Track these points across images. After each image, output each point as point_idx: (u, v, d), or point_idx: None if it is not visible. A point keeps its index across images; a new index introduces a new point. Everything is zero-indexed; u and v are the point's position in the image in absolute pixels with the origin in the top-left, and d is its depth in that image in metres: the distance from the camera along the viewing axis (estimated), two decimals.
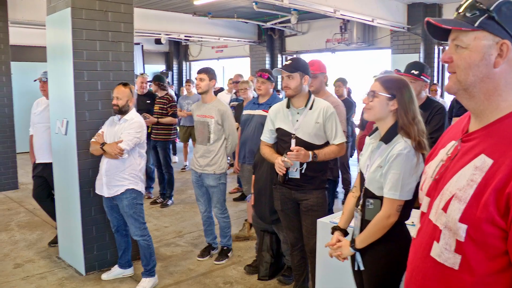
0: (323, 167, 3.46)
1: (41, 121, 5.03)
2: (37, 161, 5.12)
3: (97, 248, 4.46)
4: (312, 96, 3.46)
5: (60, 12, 4.33)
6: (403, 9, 9.36)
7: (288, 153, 3.18)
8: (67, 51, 4.21)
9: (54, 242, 5.14)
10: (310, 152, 3.21)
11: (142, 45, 14.56)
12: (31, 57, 11.94)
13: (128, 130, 3.88)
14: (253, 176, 4.21)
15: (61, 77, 4.40)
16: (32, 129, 5.18)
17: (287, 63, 3.40)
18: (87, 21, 4.23)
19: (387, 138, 2.29)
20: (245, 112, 5.01)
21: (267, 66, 12.40)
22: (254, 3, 8.76)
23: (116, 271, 4.36)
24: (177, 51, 16.12)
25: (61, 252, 4.84)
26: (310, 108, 3.38)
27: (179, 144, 9.97)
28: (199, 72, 4.59)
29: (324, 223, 3.15)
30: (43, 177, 5.08)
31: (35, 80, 5.24)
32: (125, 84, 4.01)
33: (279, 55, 12.73)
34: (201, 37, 11.71)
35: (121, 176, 3.92)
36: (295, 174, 3.34)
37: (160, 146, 6.65)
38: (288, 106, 3.45)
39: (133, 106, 4.04)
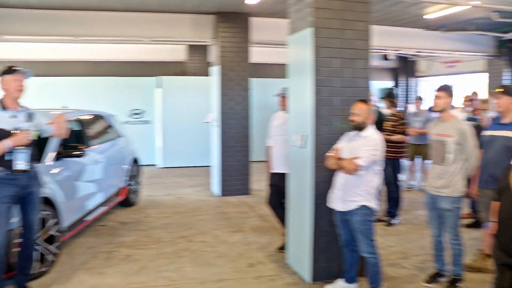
0: None
1: (279, 134, 5.39)
2: (273, 171, 5.50)
3: (325, 259, 4.57)
4: None
5: (301, 32, 4.61)
6: None
7: None
8: (308, 68, 4.44)
9: (282, 248, 5.44)
10: None
11: None
12: (269, 74, 13.04)
13: (366, 146, 3.90)
14: (495, 202, 3.82)
15: (300, 92, 4.66)
16: (270, 141, 5.58)
17: None
18: (327, 39, 4.42)
19: None
20: (487, 132, 4.61)
21: (507, 82, 11.22)
22: (495, 13, 8.04)
23: (340, 285, 4.40)
24: (404, 67, 15.75)
25: (289, 258, 5.09)
26: None
27: (405, 162, 9.65)
28: (438, 89, 4.39)
29: None
30: (277, 186, 5.43)
31: (275, 95, 5.64)
32: (365, 101, 4.06)
33: None
34: (432, 52, 11.23)
35: (355, 192, 3.96)
36: None
37: (389, 164, 6.55)
38: None
39: (371, 123, 4.05)
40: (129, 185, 7.65)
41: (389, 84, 15.62)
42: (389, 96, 7.00)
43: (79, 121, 6.51)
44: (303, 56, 4.59)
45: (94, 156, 6.35)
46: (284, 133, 5.20)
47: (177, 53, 13.06)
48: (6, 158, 3.87)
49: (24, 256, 4.21)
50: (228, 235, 6.22)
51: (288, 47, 5.01)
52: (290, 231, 5.04)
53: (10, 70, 3.99)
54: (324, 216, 4.46)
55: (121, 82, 12.34)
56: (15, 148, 3.90)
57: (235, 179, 8.61)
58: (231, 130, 8.53)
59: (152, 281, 4.68)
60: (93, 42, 9.35)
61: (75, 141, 6.19)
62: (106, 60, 12.88)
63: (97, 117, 7.33)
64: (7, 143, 3.84)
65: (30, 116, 4.09)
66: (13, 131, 3.90)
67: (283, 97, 5.38)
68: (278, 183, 5.39)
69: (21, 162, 3.93)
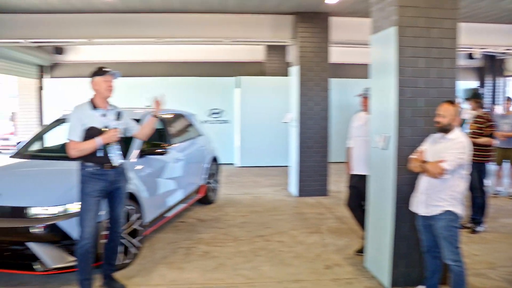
0: None
1: (360, 135, 5.28)
2: (353, 172, 5.40)
3: (405, 264, 4.42)
4: None
5: (385, 31, 4.48)
6: None
7: None
8: (391, 68, 4.31)
9: (360, 251, 5.33)
10: None
11: None
12: (348, 74, 12.86)
13: (451, 150, 3.72)
14: None
15: (383, 93, 4.54)
16: (351, 142, 5.48)
17: None
18: (411, 38, 4.26)
19: None
20: None
21: None
22: None
23: None
24: (491, 66, 14.89)
25: (367, 262, 4.98)
26: None
27: (492, 167, 9.15)
28: None
29: None
30: (357, 187, 5.33)
31: (356, 96, 5.54)
32: (451, 102, 3.88)
33: None
34: None
35: (440, 196, 3.80)
36: None
37: (474, 168, 6.22)
38: None
39: (457, 125, 3.87)
40: (208, 183, 7.83)
41: (474, 84, 14.85)
42: (475, 96, 6.63)
43: (162, 120, 6.74)
44: (386, 55, 4.46)
45: (176, 154, 6.56)
46: (365, 134, 5.09)
47: (256, 53, 13.21)
48: (98, 154, 4.10)
49: (110, 247, 4.43)
50: (305, 235, 6.20)
51: (370, 46, 4.90)
52: (369, 234, 4.93)
53: (100, 71, 4.20)
54: (405, 220, 4.31)
55: (201, 82, 12.69)
56: (106, 145, 4.12)
57: (313, 179, 8.56)
58: (310, 131, 8.48)
59: (229, 278, 4.76)
60: (174, 43, 9.68)
61: (157, 139, 6.42)
62: (186, 60, 13.28)
63: (179, 116, 7.57)
64: (98, 141, 4.06)
65: (119, 115, 4.30)
66: (103, 129, 4.12)
67: (364, 97, 5.27)
68: (358, 184, 5.30)
69: (114, 158, 4.16)
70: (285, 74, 11.97)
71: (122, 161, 4.30)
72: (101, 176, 4.13)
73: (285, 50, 12.80)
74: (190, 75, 12.88)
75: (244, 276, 4.80)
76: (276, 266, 5.08)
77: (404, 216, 4.30)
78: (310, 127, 8.48)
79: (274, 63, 12.98)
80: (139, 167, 5.50)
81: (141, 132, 4.60)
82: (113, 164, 4.17)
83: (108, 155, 4.15)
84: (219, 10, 8.30)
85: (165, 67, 13.23)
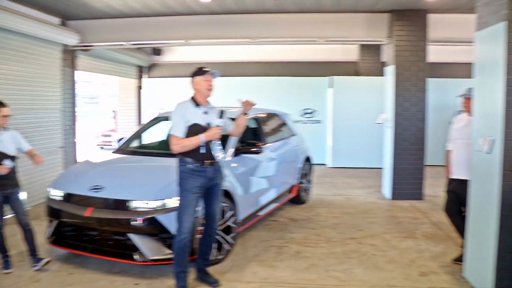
0: None
1: (461, 137, 5.02)
2: (452, 176, 5.16)
3: (511, 279, 4.14)
4: None
5: (492, 27, 4.21)
6: None
7: None
8: (499, 67, 4.05)
9: (458, 259, 5.07)
10: None
11: None
12: (447, 74, 12.29)
13: None
14: None
15: (489, 93, 4.28)
16: (450, 144, 5.24)
17: None
18: None
19: None
20: None
21: None
22: None
23: None
24: None
25: (466, 271, 4.72)
26: None
27: None
28: None
29: None
30: (456, 192, 5.08)
31: (458, 96, 5.28)
32: None
33: None
34: None
35: None
36: None
37: None
38: None
39: None
40: (301, 183, 7.85)
41: None
42: None
43: (256, 119, 6.86)
44: (493, 53, 4.19)
45: (269, 154, 6.64)
46: (467, 136, 4.83)
47: (350, 53, 13.01)
48: (201, 151, 4.25)
49: (206, 243, 4.58)
50: (399, 240, 6.02)
51: (474, 44, 4.63)
52: (469, 242, 4.67)
53: (200, 71, 4.35)
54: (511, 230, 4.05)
55: (294, 82, 12.74)
56: (208, 142, 4.26)
57: (408, 183, 8.27)
58: (405, 132, 8.21)
59: (321, 279, 4.74)
60: (268, 43, 9.80)
61: (252, 138, 6.55)
62: (279, 60, 13.38)
63: (273, 116, 7.66)
64: (202, 137, 4.21)
65: (221, 113, 4.43)
66: (206, 126, 4.26)
67: (467, 98, 5.00)
68: (457, 189, 5.04)
69: (217, 155, 4.32)
70: (379, 74, 11.70)
71: (223, 158, 4.44)
72: (201, 173, 4.27)
73: (380, 49, 12.52)
74: (283, 75, 12.97)
75: (336, 278, 4.76)
76: (368, 270, 4.99)
77: (510, 225, 4.03)
78: (406, 129, 8.21)
79: (368, 62, 12.74)
80: (234, 165, 5.64)
81: (235, 130, 4.72)
82: (215, 161, 4.31)
83: (211, 152, 4.29)
84: (313, 10, 8.29)
85: (258, 67, 13.43)
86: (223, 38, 8.80)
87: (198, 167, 4.26)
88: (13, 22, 6.95)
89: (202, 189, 4.32)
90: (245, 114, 4.70)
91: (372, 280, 4.71)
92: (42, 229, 5.62)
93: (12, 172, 4.88)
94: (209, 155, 4.28)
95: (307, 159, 8.20)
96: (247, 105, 4.64)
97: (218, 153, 4.34)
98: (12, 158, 4.88)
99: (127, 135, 6.83)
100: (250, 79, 12.79)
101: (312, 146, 9.18)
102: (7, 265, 4.98)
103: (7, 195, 4.87)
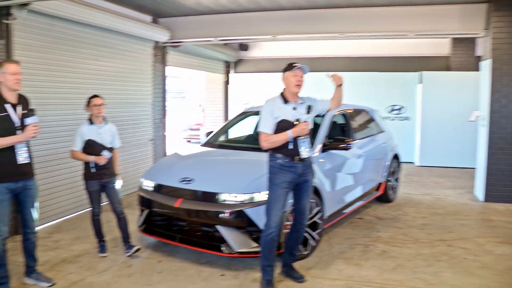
0: None
1: None
2: None
3: None
4: None
5: None
6: None
7: None
8: None
9: None
10: None
11: None
12: None
13: None
14: None
15: None
16: None
17: None
18: None
19: None
20: None
21: None
22: None
23: None
24: None
25: None
26: None
27: None
28: None
29: None
30: None
31: None
32: None
33: None
34: None
35: None
36: None
37: None
38: None
39: None
40: (388, 181, 7.67)
41: None
42: None
43: (344, 115, 6.79)
44: None
45: (356, 150, 6.55)
46: None
47: (441, 47, 12.43)
48: (289, 147, 4.29)
49: (293, 238, 4.62)
50: (493, 245, 5.70)
51: None
52: None
53: (289, 66, 4.37)
54: None
55: (381, 77, 12.44)
56: (296, 138, 4.29)
57: (503, 184, 7.79)
58: (503, 131, 7.71)
59: (408, 281, 4.62)
60: (356, 38, 9.60)
61: (339, 134, 6.49)
62: (366, 55, 13.10)
63: (361, 112, 7.54)
64: (290, 133, 4.24)
65: (309, 108, 4.43)
66: (295, 122, 4.29)
67: None
68: None
69: (304, 151, 4.32)
70: (472, 69, 11.15)
71: (311, 154, 4.43)
72: (290, 168, 4.30)
73: (474, 43, 11.85)
74: (370, 70, 12.70)
75: (424, 281, 4.62)
76: (459, 274, 4.78)
77: None
78: (503, 127, 7.72)
79: (460, 57, 12.09)
80: (321, 160, 5.63)
81: (333, 102, 4.66)
82: (302, 157, 4.32)
83: (298, 148, 4.30)
84: (404, 3, 8.03)
85: (345, 62, 13.24)
86: (311, 33, 8.77)
87: (287, 163, 4.29)
88: (110, 21, 7.41)
89: (291, 185, 4.35)
90: (340, 85, 4.59)
91: (462, 285, 4.51)
92: (133, 217, 5.95)
93: (109, 162, 5.23)
94: (297, 151, 4.30)
95: (395, 157, 7.99)
96: (336, 78, 4.55)
97: (306, 150, 4.33)
98: (110, 149, 5.22)
99: (215, 129, 7.02)
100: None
101: (399, 143, 8.94)
102: (103, 249, 5.36)
103: (104, 184, 5.22)
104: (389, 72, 12.51)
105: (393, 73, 12.46)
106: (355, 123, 7.07)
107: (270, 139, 4.29)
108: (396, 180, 8.08)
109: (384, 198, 7.64)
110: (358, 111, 7.42)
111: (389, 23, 8.36)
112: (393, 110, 12.37)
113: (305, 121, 4.29)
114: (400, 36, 8.97)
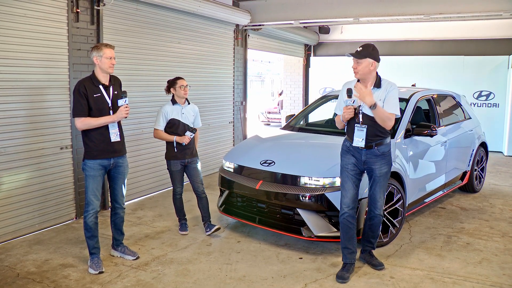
0: None
1: None
2: None
3: None
4: None
5: None
6: None
7: None
8: None
9: None
10: None
11: None
12: None
13: None
14: None
15: None
16: None
17: None
18: None
19: None
20: None
21: None
22: None
23: None
24: None
25: None
26: None
27: None
28: None
29: None
30: None
31: None
32: None
33: None
34: None
35: None
36: None
37: None
38: None
39: None
40: (474, 170, 7.28)
41: None
42: None
43: (428, 101, 6.49)
44: None
45: (441, 137, 6.26)
46: None
47: None
48: (349, 132, 4.32)
49: (368, 225, 4.49)
50: None
51: None
52: None
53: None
54: None
55: (467, 61, 11.76)
56: (354, 124, 4.23)
57: None
58: None
59: (495, 276, 4.36)
60: (442, 20, 9.06)
61: (423, 120, 6.23)
62: (452, 38, 12.42)
63: (447, 97, 7.17)
64: (340, 118, 4.34)
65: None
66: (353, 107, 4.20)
67: None
68: None
69: (356, 140, 4.21)
70: None
71: (362, 145, 4.20)
72: (353, 152, 4.29)
73: None
74: (456, 54, 12.05)
75: None
76: None
77: None
78: None
79: None
80: (404, 147, 5.43)
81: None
82: (354, 145, 4.22)
83: (354, 135, 4.22)
84: None
85: (429, 45, 12.66)
86: (395, 15, 8.44)
87: (351, 146, 4.28)
88: (192, 4, 7.50)
89: (356, 168, 4.29)
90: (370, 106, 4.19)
91: None
92: (213, 197, 6.06)
93: (191, 142, 5.32)
94: (351, 137, 4.26)
95: (482, 145, 7.56)
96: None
97: (357, 139, 4.18)
98: (193, 129, 5.30)
99: (295, 112, 6.97)
100: (420, 58, 12.14)
101: (487, 131, 8.44)
102: (184, 227, 5.51)
103: (186, 163, 5.33)
104: (477, 56, 11.79)
105: (480, 57, 11.72)
106: (440, 108, 6.73)
107: (336, 120, 4.48)
108: (482, 170, 7.65)
109: (468, 188, 7.27)
110: (443, 96, 7.05)
111: (480, 3, 7.86)
112: (480, 96, 11.68)
113: (351, 106, 4.18)
114: (491, 17, 8.36)
